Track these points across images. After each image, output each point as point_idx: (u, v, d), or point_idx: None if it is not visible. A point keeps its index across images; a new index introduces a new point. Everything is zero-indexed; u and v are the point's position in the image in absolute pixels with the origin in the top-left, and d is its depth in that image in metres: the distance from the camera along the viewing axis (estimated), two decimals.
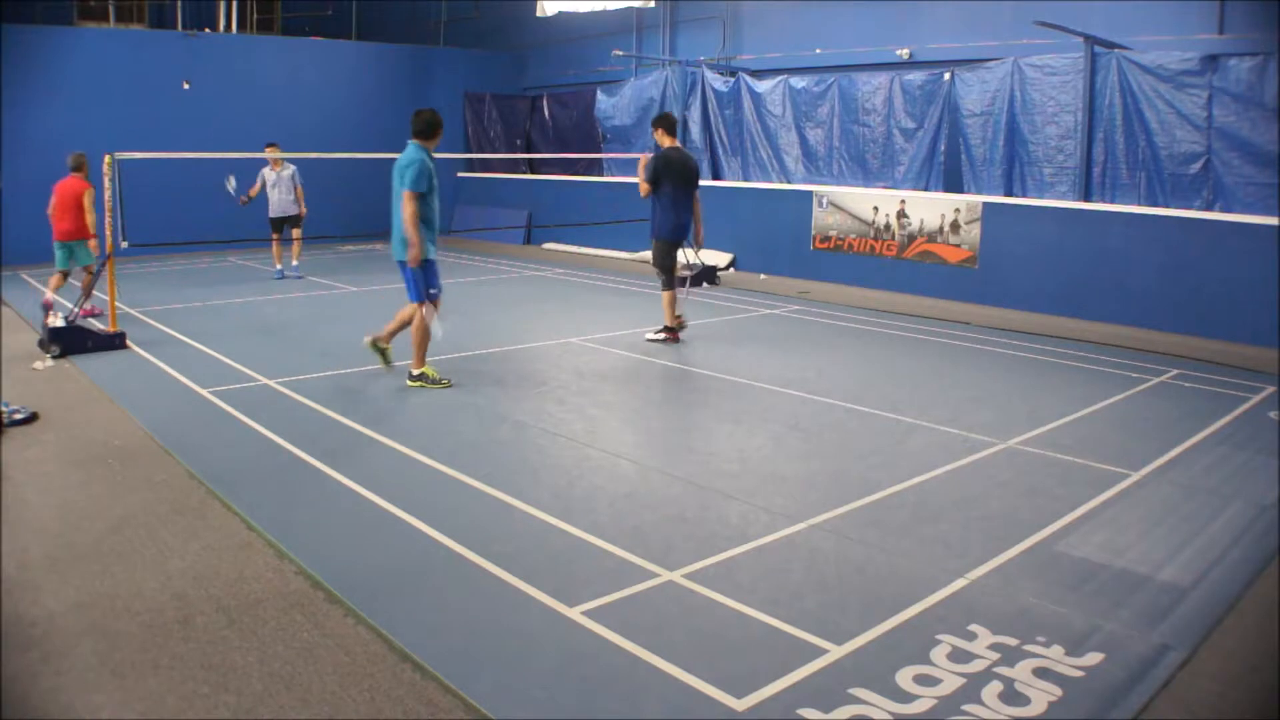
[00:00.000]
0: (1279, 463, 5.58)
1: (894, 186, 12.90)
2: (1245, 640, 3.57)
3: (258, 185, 12.60)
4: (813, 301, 11.54)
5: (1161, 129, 10.45)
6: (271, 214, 12.68)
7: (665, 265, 8.69)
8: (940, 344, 9.09)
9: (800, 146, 14.19)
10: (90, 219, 9.39)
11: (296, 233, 12.85)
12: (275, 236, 12.83)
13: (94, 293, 9.43)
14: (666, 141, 8.63)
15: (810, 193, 13.51)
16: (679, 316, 8.86)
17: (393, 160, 6.84)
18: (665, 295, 8.74)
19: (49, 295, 9.59)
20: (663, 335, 8.73)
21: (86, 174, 9.50)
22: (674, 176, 8.47)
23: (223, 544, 4.23)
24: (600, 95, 17.07)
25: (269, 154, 12.46)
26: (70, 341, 7.97)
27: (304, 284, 12.47)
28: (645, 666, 3.24)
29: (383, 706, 3.01)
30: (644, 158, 8.85)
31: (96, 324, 8.60)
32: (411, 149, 6.79)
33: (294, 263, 13.06)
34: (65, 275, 9.79)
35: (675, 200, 8.52)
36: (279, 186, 12.60)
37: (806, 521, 4.55)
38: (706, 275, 12.88)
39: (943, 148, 12.45)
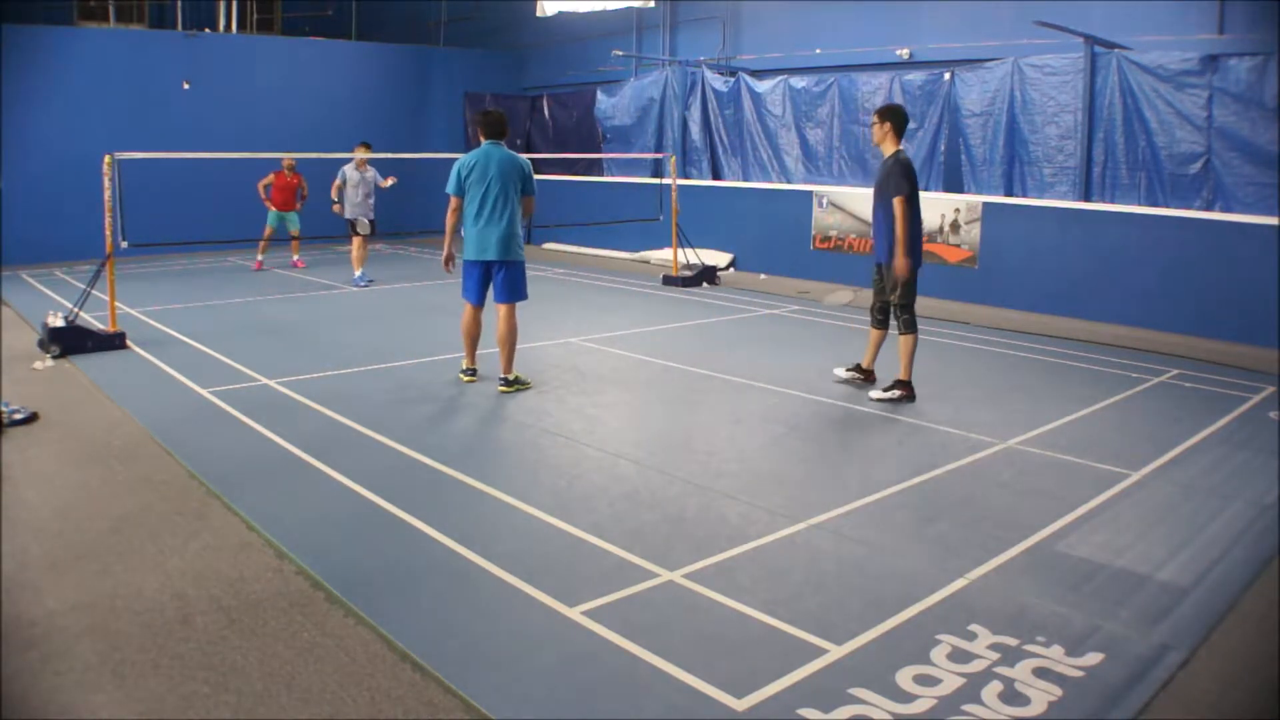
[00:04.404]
0: (1279, 463, 5.58)
1: None
2: (1245, 640, 3.57)
3: (338, 182, 12.09)
4: (813, 301, 11.54)
5: (1161, 129, 10.45)
6: (347, 215, 12.14)
7: (913, 300, 6.83)
8: (940, 344, 9.09)
9: (800, 146, 14.19)
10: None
11: (358, 240, 12.24)
12: (359, 239, 12.19)
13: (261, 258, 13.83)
14: (895, 143, 6.78)
15: (810, 193, 13.51)
16: (870, 372, 7.24)
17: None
18: (909, 340, 6.80)
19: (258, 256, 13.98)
20: (897, 393, 6.77)
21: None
22: (915, 187, 6.73)
23: (223, 544, 4.23)
24: (600, 95, 17.07)
25: (359, 153, 12.00)
26: (70, 341, 7.97)
27: (304, 284, 12.46)
28: (645, 666, 3.24)
29: (383, 706, 3.01)
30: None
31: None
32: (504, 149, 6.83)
33: (356, 271, 12.35)
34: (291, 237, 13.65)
35: (916, 215, 6.71)
36: (361, 187, 12.05)
37: (806, 521, 4.55)
38: (706, 275, 12.89)
39: (943, 148, 12.46)
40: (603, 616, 3.57)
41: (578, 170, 17.65)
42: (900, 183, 6.61)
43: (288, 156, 13.15)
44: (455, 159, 7.01)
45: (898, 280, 6.77)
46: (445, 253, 7.09)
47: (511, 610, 3.66)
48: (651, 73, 16.45)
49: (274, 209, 13.41)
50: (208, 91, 15.84)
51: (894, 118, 6.81)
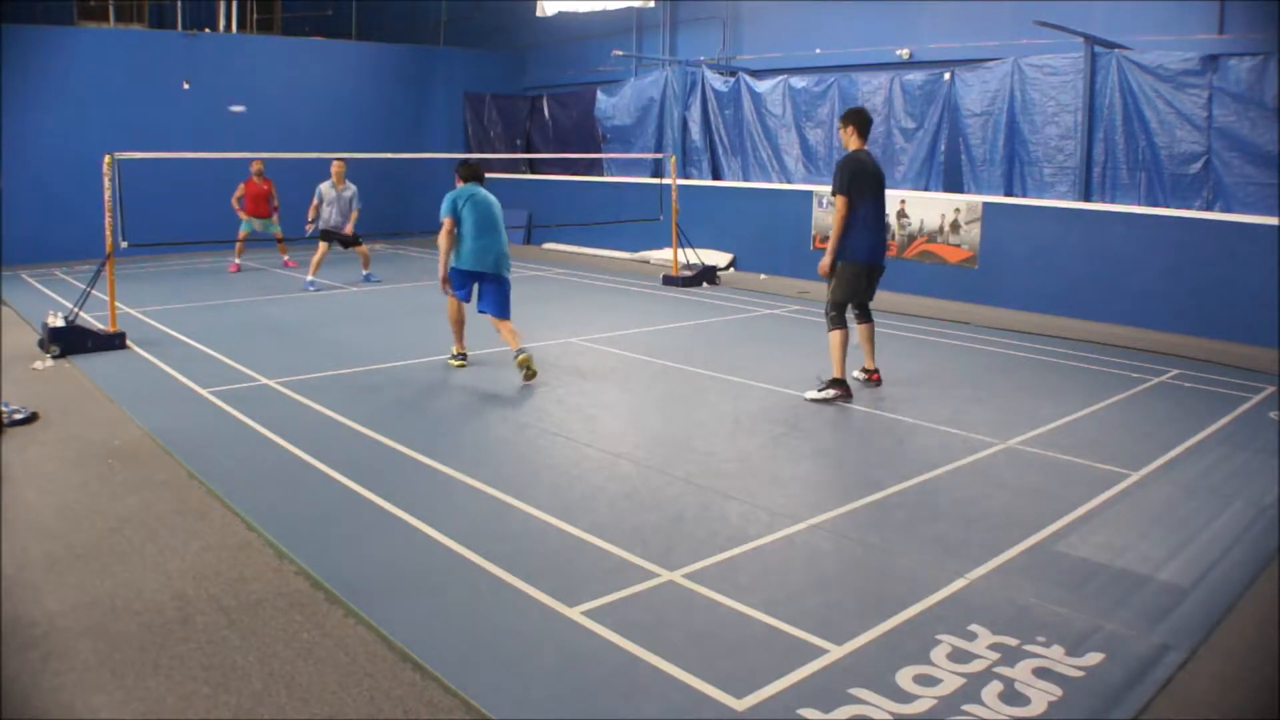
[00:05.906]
0: (1279, 463, 5.58)
1: (894, 186, 12.87)
2: (1245, 640, 3.57)
3: (315, 202, 11.90)
4: (813, 301, 11.53)
5: (1161, 129, 10.44)
6: (322, 226, 12.03)
7: (842, 300, 6.93)
8: (940, 344, 9.09)
9: (800, 146, 14.18)
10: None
11: (363, 246, 12.39)
12: (323, 246, 12.06)
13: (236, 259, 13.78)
14: (855, 143, 6.96)
15: (810, 193, 13.51)
16: (874, 372, 7.28)
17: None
18: (834, 336, 6.83)
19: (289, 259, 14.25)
20: (831, 393, 6.80)
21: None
22: (868, 185, 6.87)
23: (223, 544, 4.23)
24: (600, 95, 17.07)
25: (335, 169, 11.84)
26: (70, 341, 7.97)
27: (303, 284, 12.44)
28: (645, 666, 3.24)
29: (383, 706, 3.01)
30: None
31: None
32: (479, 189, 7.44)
33: (364, 270, 12.59)
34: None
35: (871, 214, 6.89)
36: (336, 205, 11.88)
37: (806, 521, 4.55)
38: (706, 275, 12.89)
39: (943, 148, 12.45)
40: (603, 616, 3.57)
41: (578, 170, 17.64)
42: (838, 179, 6.79)
43: (256, 160, 13.16)
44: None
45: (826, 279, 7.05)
46: (441, 274, 7.31)
47: (511, 610, 3.65)
48: (651, 73, 16.44)
49: (247, 218, 13.33)
50: (208, 91, 15.84)
51: (854, 120, 6.99)
